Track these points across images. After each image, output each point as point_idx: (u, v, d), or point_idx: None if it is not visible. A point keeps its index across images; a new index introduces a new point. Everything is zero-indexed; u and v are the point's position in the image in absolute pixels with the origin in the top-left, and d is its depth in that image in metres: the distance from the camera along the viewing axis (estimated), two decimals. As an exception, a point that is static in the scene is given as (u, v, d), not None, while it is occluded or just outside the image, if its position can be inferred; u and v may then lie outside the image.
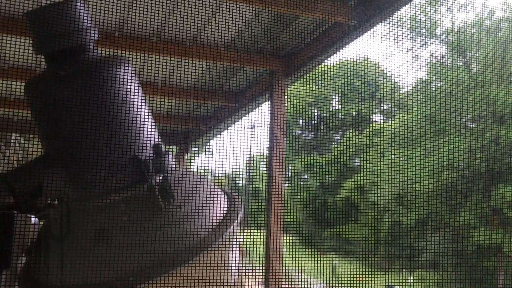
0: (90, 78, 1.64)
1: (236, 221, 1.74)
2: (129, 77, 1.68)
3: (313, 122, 22.24)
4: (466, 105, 12.66)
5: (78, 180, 1.64)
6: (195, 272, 1.60)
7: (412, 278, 15.08)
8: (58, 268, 1.64)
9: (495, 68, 13.16)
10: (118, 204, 1.58)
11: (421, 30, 14.90)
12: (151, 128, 1.72)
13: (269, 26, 5.01)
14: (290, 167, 19.74)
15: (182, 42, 5.33)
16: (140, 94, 1.72)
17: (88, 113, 1.61)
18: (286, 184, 19.83)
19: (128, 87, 1.67)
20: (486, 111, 12.99)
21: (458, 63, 14.74)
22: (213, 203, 1.77)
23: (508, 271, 13.64)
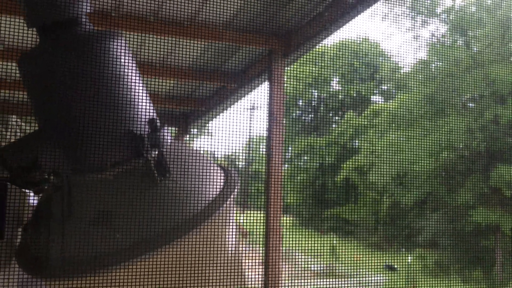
0: (83, 51, 1.62)
1: (232, 196, 1.74)
2: (122, 51, 1.66)
3: (313, 103, 22.19)
4: (466, 85, 12.59)
5: (74, 154, 1.64)
6: (192, 246, 1.61)
7: (410, 257, 15.22)
8: (56, 243, 1.65)
9: (495, 47, 13.07)
10: (112, 178, 1.58)
11: (421, 9, 14.77)
12: (146, 102, 1.71)
13: (268, 4, 4.95)
14: (290, 149, 19.77)
15: (180, 21, 5.28)
16: (134, 69, 1.71)
17: (82, 87, 1.60)
18: (286, 166, 19.88)
19: (122, 61, 1.65)
20: (486, 91, 12.94)
21: (459, 43, 14.64)
22: (210, 178, 1.77)
23: (506, 250, 13.75)
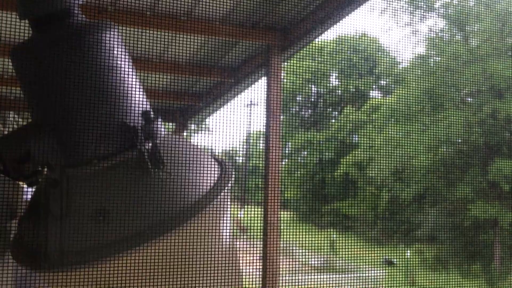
0: (76, 42, 1.62)
1: (227, 187, 1.74)
2: (115, 42, 1.66)
3: (311, 98, 22.18)
4: (464, 80, 12.59)
5: (67, 146, 1.63)
6: (185, 238, 1.61)
7: (409, 252, 15.25)
8: (50, 235, 1.65)
9: (493, 41, 13.06)
10: (106, 170, 1.58)
11: (420, 4, 14.74)
12: (140, 94, 1.70)
13: (265, -1, 4.93)
14: (288, 144, 19.78)
15: (177, 16, 5.25)
16: (127, 60, 1.70)
17: (75, 79, 1.60)
18: (285, 161, 19.89)
19: (115, 52, 1.65)
20: (484, 86, 12.94)
21: (457, 37, 14.62)
22: (204, 169, 1.77)
23: (505, 244, 13.79)
